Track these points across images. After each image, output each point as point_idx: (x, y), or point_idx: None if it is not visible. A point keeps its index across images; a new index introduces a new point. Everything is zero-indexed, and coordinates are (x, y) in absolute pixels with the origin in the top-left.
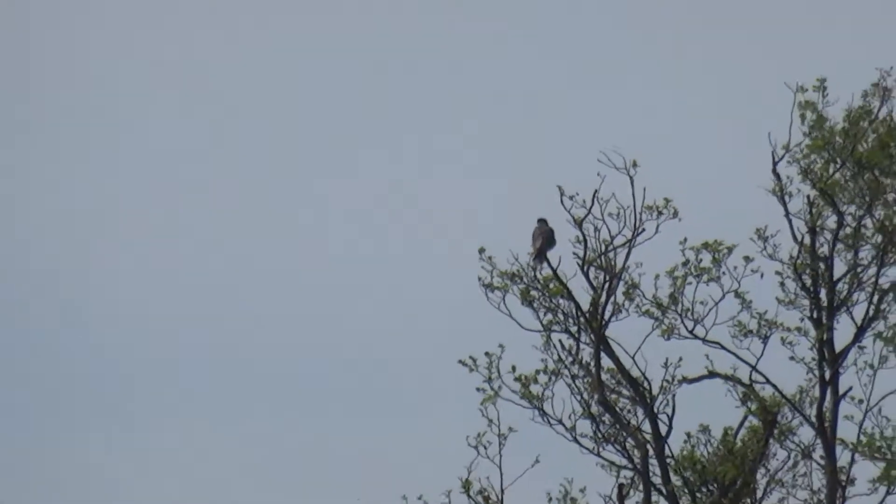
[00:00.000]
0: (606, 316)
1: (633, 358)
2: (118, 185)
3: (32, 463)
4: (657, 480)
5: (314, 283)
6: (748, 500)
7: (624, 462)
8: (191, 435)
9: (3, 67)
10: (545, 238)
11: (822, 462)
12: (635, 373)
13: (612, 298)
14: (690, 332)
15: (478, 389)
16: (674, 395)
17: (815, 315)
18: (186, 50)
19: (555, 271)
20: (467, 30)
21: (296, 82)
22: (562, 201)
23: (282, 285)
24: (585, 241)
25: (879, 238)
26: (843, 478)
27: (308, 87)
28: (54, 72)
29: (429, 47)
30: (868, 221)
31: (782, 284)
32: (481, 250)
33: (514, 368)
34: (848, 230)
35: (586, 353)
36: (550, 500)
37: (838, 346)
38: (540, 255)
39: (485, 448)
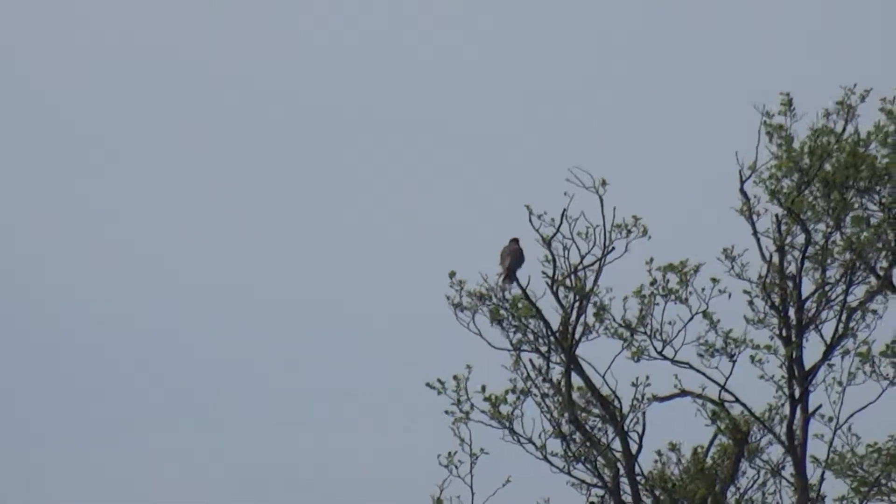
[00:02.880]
0: (577, 336)
1: (603, 377)
2: (113, 184)
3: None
4: (628, 499)
5: (280, 299)
6: None
7: (594, 481)
8: (182, 437)
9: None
10: (514, 257)
11: (793, 480)
12: (605, 391)
13: (582, 318)
14: (660, 352)
15: (446, 412)
16: (644, 414)
17: (784, 333)
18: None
19: (524, 291)
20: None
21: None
22: (530, 220)
23: (250, 299)
24: (554, 260)
25: (847, 256)
26: (814, 495)
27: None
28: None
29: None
30: (836, 238)
31: (751, 303)
32: (451, 274)
33: (483, 388)
34: (816, 248)
35: (556, 372)
36: None
37: (807, 364)
38: (509, 275)
39: (456, 467)
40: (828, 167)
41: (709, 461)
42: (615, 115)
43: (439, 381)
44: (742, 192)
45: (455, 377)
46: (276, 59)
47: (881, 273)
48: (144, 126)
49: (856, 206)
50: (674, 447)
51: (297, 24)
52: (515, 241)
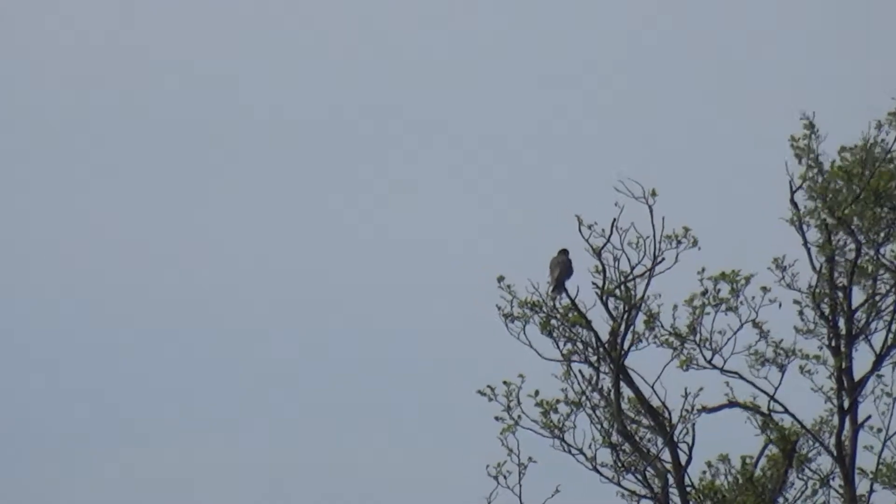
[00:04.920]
0: (625, 346)
1: (652, 387)
2: (114, 184)
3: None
4: None
5: (332, 309)
6: None
7: (644, 491)
8: (199, 442)
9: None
10: (562, 268)
11: (841, 491)
12: (655, 402)
13: (631, 328)
14: (709, 361)
15: (496, 419)
16: (693, 425)
17: (833, 344)
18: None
19: (573, 301)
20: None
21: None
22: (580, 230)
23: (298, 307)
24: (604, 270)
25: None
26: None
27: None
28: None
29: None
30: (887, 249)
31: (801, 313)
32: (500, 279)
33: (536, 393)
34: (866, 258)
35: (606, 382)
36: None
37: (857, 375)
38: (558, 285)
39: (504, 478)
40: (880, 175)
41: (758, 472)
42: (665, 124)
43: (489, 387)
44: (792, 202)
45: (506, 382)
46: (276, 56)
47: None
48: (141, 126)
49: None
50: (723, 458)
51: (297, 23)
52: (564, 252)
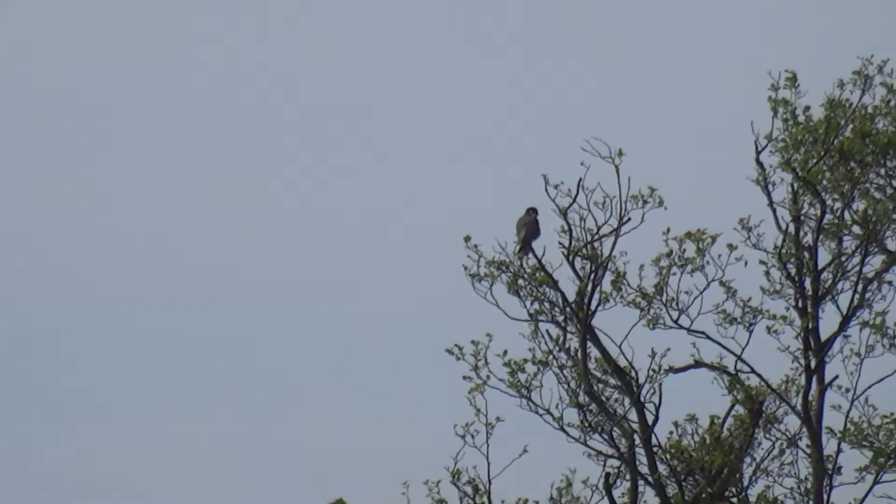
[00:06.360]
0: (593, 306)
1: (619, 347)
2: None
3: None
4: (644, 469)
5: (298, 271)
6: (734, 489)
7: (611, 451)
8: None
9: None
10: (529, 228)
11: (808, 451)
12: (622, 362)
13: (598, 288)
14: (675, 321)
15: (464, 378)
16: (660, 385)
17: (800, 304)
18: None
19: (539, 261)
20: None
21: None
22: (546, 190)
23: (266, 275)
24: (571, 230)
25: (860, 229)
26: (830, 466)
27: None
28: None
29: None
30: (851, 210)
31: (767, 274)
32: (467, 238)
33: (504, 353)
34: (831, 218)
35: (573, 342)
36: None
37: (823, 335)
38: (524, 245)
39: (472, 437)
40: (844, 136)
41: (725, 432)
42: (630, 85)
43: (457, 346)
44: (758, 162)
45: (473, 342)
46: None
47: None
48: (137, 122)
49: (863, 179)
50: (690, 418)
51: (296, 22)
52: (533, 210)
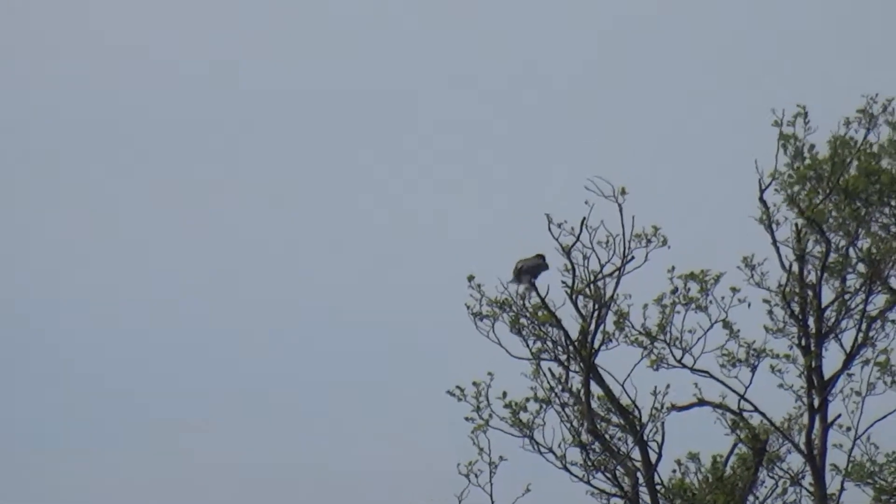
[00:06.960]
0: (596, 345)
1: (622, 386)
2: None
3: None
4: None
5: (301, 306)
6: None
7: (614, 490)
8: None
9: None
10: (526, 262)
11: (812, 489)
12: (625, 400)
13: (601, 327)
14: (679, 361)
15: (466, 419)
16: (663, 423)
17: (803, 342)
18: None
19: (543, 300)
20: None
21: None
22: (549, 229)
23: (268, 306)
24: (574, 269)
25: (865, 267)
26: None
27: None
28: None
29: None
30: (856, 248)
31: (770, 312)
32: (470, 278)
33: (504, 394)
34: (836, 257)
35: (576, 381)
36: None
37: (827, 374)
38: (517, 276)
39: (475, 476)
40: (849, 175)
41: (728, 470)
42: (633, 123)
43: (458, 388)
44: (762, 200)
45: (475, 383)
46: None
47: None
48: (134, 127)
49: (868, 217)
50: (693, 456)
51: (295, 20)
52: (540, 256)
